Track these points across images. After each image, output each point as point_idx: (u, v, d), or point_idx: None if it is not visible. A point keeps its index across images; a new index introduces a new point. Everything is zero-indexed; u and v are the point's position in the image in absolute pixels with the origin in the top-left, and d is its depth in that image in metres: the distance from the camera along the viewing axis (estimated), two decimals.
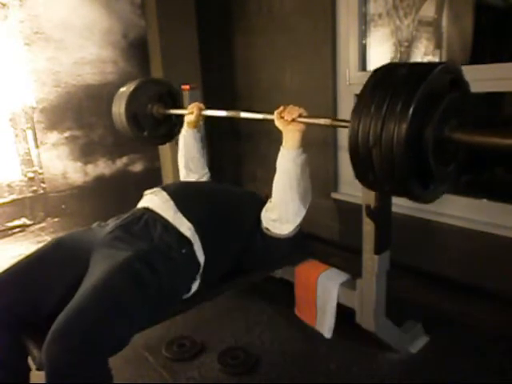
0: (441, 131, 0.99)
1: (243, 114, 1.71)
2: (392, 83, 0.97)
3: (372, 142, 0.96)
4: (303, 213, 1.51)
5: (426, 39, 2.51)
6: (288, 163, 1.44)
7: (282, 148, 1.46)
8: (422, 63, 1.05)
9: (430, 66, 0.98)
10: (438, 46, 2.51)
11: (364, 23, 2.28)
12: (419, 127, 0.95)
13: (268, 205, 1.56)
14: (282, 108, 1.46)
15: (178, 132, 2.09)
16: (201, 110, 1.93)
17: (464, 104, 1.07)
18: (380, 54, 2.47)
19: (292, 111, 1.42)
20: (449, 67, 1.01)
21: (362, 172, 1.03)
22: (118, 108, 2.13)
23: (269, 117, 1.53)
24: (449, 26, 2.48)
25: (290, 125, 1.42)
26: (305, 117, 1.42)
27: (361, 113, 0.98)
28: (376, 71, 1.03)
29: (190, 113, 1.93)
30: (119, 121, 2.14)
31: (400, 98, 0.93)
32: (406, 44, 2.50)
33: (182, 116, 2.05)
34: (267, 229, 1.55)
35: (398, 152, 0.92)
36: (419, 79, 0.94)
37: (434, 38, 2.51)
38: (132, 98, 2.11)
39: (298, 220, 1.51)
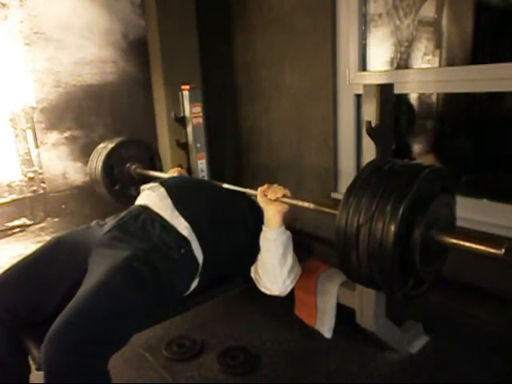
0: (429, 233, 1.00)
1: (225, 186, 1.67)
2: (383, 180, 0.97)
3: (360, 239, 0.96)
4: (291, 285, 1.49)
5: (425, 39, 2.51)
6: (269, 243, 1.43)
7: (263, 227, 1.46)
8: (413, 163, 1.08)
9: (420, 167, 0.99)
10: (438, 45, 2.51)
11: (364, 23, 2.28)
12: (408, 228, 0.96)
13: (254, 269, 1.52)
14: (266, 186, 1.45)
15: None
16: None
17: (451, 205, 1.08)
18: (380, 53, 2.47)
19: (276, 190, 1.41)
20: (438, 170, 1.03)
21: (346, 262, 1.03)
22: (97, 159, 2.16)
23: (252, 192, 1.51)
24: (449, 26, 2.48)
25: (272, 204, 1.41)
26: (289, 198, 1.40)
27: (349, 206, 0.98)
28: (368, 165, 1.04)
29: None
30: (94, 169, 2.17)
31: (391, 197, 0.93)
32: (406, 44, 2.50)
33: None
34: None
35: (385, 252, 0.93)
36: (411, 179, 0.94)
37: (434, 37, 2.51)
38: (113, 152, 2.14)
39: (287, 289, 1.49)
